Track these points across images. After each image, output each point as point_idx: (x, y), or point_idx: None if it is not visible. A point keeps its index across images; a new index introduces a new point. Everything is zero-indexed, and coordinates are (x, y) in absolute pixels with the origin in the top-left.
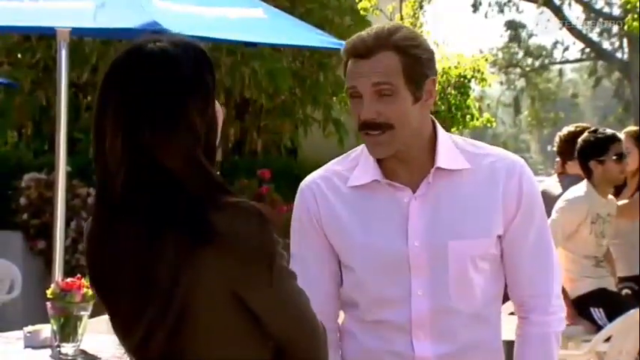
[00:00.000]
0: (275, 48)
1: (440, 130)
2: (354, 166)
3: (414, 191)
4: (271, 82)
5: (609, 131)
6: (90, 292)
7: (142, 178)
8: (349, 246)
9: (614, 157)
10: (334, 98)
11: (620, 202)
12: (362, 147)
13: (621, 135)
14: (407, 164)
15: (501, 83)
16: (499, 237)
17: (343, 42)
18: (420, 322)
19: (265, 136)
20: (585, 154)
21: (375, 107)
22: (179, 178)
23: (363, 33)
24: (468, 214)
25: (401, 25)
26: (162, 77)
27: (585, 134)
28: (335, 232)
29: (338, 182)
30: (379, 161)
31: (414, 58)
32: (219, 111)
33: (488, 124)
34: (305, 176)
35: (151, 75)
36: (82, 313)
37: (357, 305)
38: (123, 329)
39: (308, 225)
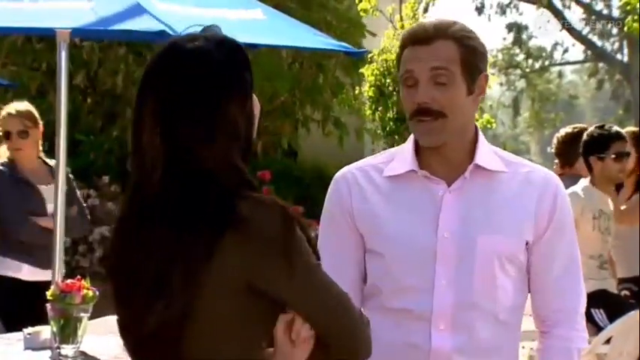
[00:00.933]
0: (274, 49)
1: (480, 132)
2: (391, 160)
3: (449, 185)
4: (270, 85)
5: (615, 129)
6: (90, 293)
7: (178, 176)
8: (379, 232)
9: (613, 156)
10: (334, 100)
11: (622, 207)
12: (399, 146)
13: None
14: (446, 158)
15: (501, 84)
16: (527, 244)
17: (342, 43)
18: (441, 312)
19: (265, 137)
20: (587, 148)
21: (431, 93)
22: (213, 174)
23: (424, 22)
24: (501, 213)
25: (457, 20)
26: (201, 76)
27: (592, 128)
28: (366, 219)
29: (373, 173)
30: (417, 154)
31: (471, 49)
32: (257, 104)
33: (488, 125)
34: (305, 177)
35: (190, 73)
36: (82, 314)
37: (379, 293)
38: (124, 303)
39: (339, 215)
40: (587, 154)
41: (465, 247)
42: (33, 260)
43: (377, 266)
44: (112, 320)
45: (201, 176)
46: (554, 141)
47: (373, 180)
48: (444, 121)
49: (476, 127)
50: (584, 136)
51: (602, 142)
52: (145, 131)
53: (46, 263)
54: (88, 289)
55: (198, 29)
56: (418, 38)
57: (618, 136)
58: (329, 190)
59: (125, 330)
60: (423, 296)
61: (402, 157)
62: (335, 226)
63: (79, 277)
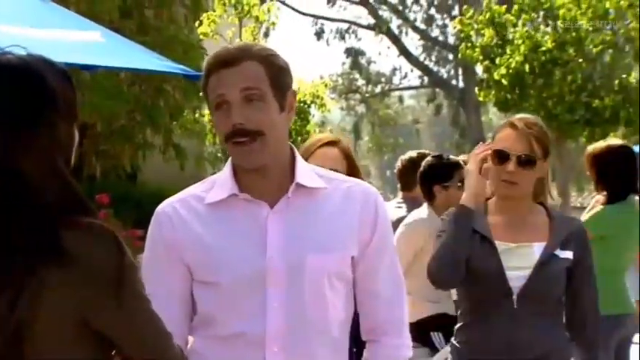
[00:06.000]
0: (112, 72)
1: (296, 151)
2: (211, 187)
3: (272, 206)
4: (109, 106)
5: (453, 158)
6: None
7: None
8: (207, 262)
9: (459, 184)
10: (174, 123)
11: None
12: (218, 173)
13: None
14: (266, 180)
15: (342, 109)
16: (352, 258)
17: (181, 66)
18: (274, 335)
19: (104, 160)
20: (429, 178)
21: (245, 113)
22: (38, 189)
23: (225, 46)
24: (326, 230)
25: (256, 43)
26: (26, 87)
27: (429, 158)
28: (192, 250)
29: (195, 203)
30: (236, 177)
31: (277, 67)
32: (75, 134)
33: None
34: (145, 200)
35: (16, 83)
36: None
37: (213, 321)
38: None
39: (162, 250)
40: (429, 183)
41: (293, 267)
42: None
43: (208, 295)
44: None
45: (24, 192)
46: (398, 164)
47: (195, 209)
48: (262, 139)
49: (291, 147)
50: (423, 166)
51: (446, 171)
52: None
53: None
54: None
55: (19, 50)
56: (224, 61)
57: (460, 165)
58: (151, 225)
59: None
60: (256, 320)
61: (221, 182)
62: (157, 263)
63: None
